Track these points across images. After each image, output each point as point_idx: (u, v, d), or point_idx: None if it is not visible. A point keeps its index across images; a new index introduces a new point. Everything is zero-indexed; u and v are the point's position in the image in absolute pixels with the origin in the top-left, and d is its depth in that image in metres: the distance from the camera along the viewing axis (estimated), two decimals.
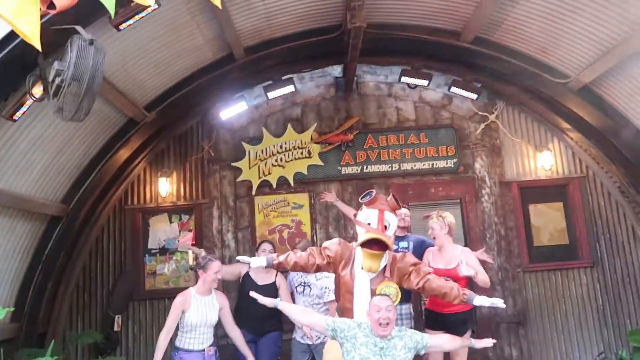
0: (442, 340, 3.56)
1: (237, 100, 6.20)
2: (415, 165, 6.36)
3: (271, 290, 4.43)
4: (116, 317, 6.04)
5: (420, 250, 4.53)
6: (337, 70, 6.56)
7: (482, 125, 6.40)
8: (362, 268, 3.53)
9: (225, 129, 6.45)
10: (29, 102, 3.69)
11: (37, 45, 2.41)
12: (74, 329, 6.01)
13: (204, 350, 3.95)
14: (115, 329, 6.01)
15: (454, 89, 6.19)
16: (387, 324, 3.18)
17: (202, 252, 4.77)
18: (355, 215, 3.75)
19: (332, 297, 4.38)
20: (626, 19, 4.30)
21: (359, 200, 3.72)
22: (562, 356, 6.11)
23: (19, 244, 5.00)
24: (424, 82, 6.11)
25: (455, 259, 4.18)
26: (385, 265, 3.59)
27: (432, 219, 4.38)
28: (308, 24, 5.41)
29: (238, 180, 6.33)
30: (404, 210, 4.74)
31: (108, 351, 5.87)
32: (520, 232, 6.29)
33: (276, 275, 4.63)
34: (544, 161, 6.35)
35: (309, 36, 5.53)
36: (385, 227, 3.53)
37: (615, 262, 6.23)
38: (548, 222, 6.41)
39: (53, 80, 3.27)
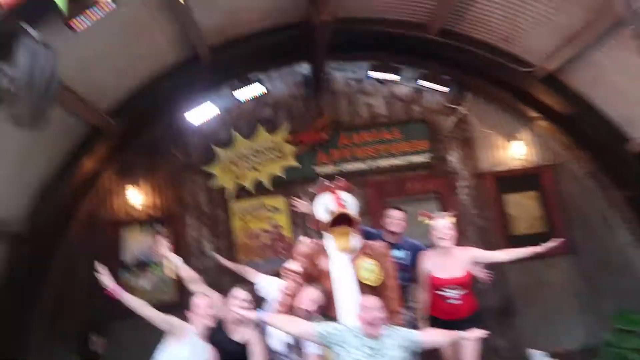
0: (434, 336, 3.47)
1: (204, 103, 6.03)
2: (390, 162, 6.32)
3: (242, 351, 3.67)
4: (94, 337, 5.76)
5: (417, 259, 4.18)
6: (305, 68, 6.49)
7: (453, 118, 6.41)
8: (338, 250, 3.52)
9: (194, 133, 6.28)
10: None
11: None
12: (48, 351, 5.71)
13: None
14: (94, 349, 5.75)
15: (423, 83, 6.19)
16: (378, 324, 3.11)
17: (178, 261, 4.05)
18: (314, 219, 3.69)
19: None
20: (588, 5, 4.34)
21: (310, 190, 3.75)
22: (550, 343, 6.11)
23: None
24: (393, 77, 6.08)
25: (460, 265, 3.90)
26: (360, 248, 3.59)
27: (444, 219, 3.98)
28: (273, 20, 5.32)
29: (212, 186, 6.18)
30: (397, 214, 4.36)
31: None
32: (498, 222, 6.30)
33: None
34: (515, 150, 6.41)
35: (275, 33, 5.46)
36: (344, 205, 3.55)
37: (590, 247, 6.29)
38: (524, 211, 6.43)
39: (5, 87, 3.11)
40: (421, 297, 4.12)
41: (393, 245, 4.27)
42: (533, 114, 6.24)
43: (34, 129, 3.36)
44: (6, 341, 5.03)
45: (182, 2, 2.06)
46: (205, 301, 3.56)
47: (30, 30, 3.00)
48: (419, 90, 6.46)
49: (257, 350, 3.63)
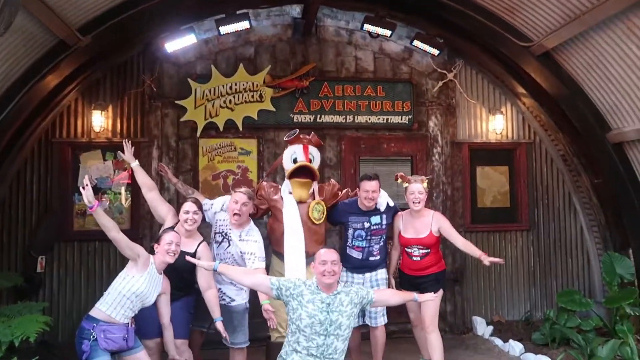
0: (386, 295, 3.76)
1: (185, 32, 5.60)
2: (369, 119, 6.18)
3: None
4: (39, 258, 5.60)
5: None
6: (296, 10, 6.12)
7: (440, 83, 6.28)
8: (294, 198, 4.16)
9: (170, 63, 5.91)
10: None
11: None
12: None
13: (128, 323, 3.42)
14: (38, 270, 5.59)
15: (416, 43, 5.97)
16: (333, 275, 3.16)
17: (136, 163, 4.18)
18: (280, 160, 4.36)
19: (259, 265, 3.89)
20: None
21: (284, 139, 4.34)
22: (492, 312, 6.41)
23: None
24: (387, 32, 5.81)
25: (426, 227, 4.23)
26: (313, 192, 4.27)
27: (418, 183, 4.22)
28: None
29: (182, 119, 5.89)
30: (370, 185, 4.18)
31: (29, 294, 5.45)
32: (466, 193, 6.38)
33: (199, 245, 3.89)
34: (495, 124, 6.39)
35: None
36: (310, 160, 4.21)
37: (550, 226, 6.52)
38: (493, 184, 6.56)
39: None
40: (393, 253, 4.54)
41: (369, 213, 4.35)
42: (520, 89, 6.19)
43: None
44: None
45: None
46: (173, 238, 3.58)
47: None
48: (410, 50, 6.25)
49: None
